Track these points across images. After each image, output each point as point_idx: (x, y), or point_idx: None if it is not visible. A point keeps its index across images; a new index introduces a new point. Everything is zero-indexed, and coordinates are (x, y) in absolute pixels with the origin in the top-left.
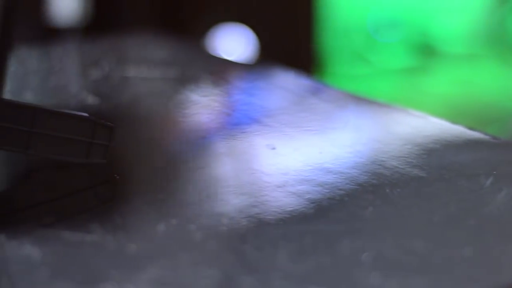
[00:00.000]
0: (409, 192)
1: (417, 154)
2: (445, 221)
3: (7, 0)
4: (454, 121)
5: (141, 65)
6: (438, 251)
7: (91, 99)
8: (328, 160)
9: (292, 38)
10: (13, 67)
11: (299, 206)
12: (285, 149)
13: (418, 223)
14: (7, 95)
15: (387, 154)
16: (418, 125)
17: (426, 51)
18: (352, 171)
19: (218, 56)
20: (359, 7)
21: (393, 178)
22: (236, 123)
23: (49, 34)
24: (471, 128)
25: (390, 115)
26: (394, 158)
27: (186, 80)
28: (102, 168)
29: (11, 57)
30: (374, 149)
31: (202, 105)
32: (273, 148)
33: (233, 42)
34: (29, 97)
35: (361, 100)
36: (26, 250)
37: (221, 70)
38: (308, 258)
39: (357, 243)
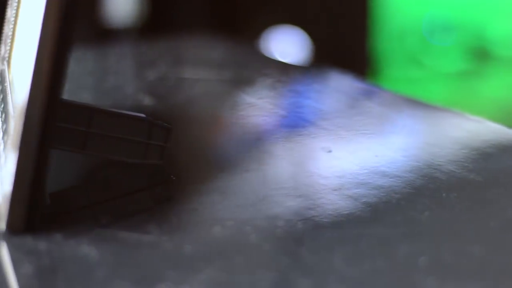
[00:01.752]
0: (466, 197)
1: (474, 159)
2: (502, 226)
3: (68, 1)
4: (510, 125)
5: (197, 67)
6: (495, 256)
7: (147, 100)
8: (384, 164)
9: (347, 41)
10: (70, 67)
11: (355, 209)
12: (341, 152)
13: (475, 227)
14: (65, 95)
15: (443, 158)
16: (474, 129)
17: (482, 54)
18: (408, 175)
19: (273, 58)
20: (414, 9)
21: (449, 183)
22: (292, 126)
23: (105, 34)
24: None
25: (445, 119)
26: (451, 162)
27: (241, 82)
28: (159, 169)
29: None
30: (430, 153)
31: (258, 107)
32: (329, 151)
33: (288, 44)
34: (85, 97)
35: (416, 104)
36: (84, 250)
37: (276, 72)
38: (364, 261)
39: (414, 247)
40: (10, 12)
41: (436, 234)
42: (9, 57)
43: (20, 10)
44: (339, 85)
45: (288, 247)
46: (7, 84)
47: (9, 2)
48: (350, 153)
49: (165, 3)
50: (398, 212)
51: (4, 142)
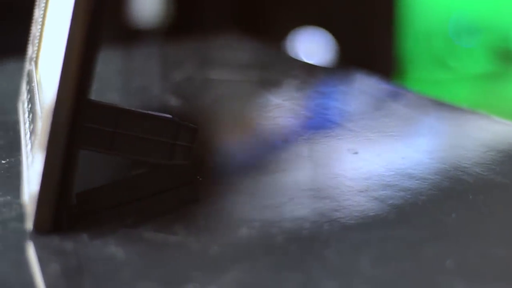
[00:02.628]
0: (492, 199)
1: (500, 161)
2: None
3: (96, 1)
4: None
5: (223, 68)
6: None
7: (173, 101)
8: (411, 166)
9: (373, 42)
10: (97, 68)
11: (381, 211)
12: (367, 153)
13: (502, 230)
14: (92, 95)
15: (470, 160)
16: (500, 132)
17: (507, 56)
18: (435, 177)
19: (299, 60)
20: (440, 11)
21: (476, 185)
22: (317, 127)
23: (132, 35)
24: None
25: (471, 121)
26: (477, 165)
27: (268, 83)
28: (185, 170)
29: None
30: (456, 155)
31: (284, 108)
32: (355, 153)
33: (313, 46)
34: (112, 97)
35: (442, 106)
36: (110, 250)
37: (302, 73)
38: (390, 263)
39: (440, 249)
40: (37, 13)
41: (462, 236)
42: (37, 57)
43: (48, 10)
44: (365, 86)
45: (314, 248)
46: (34, 84)
47: (37, 3)
48: (376, 155)
49: (191, 4)
50: (424, 214)
51: (31, 142)
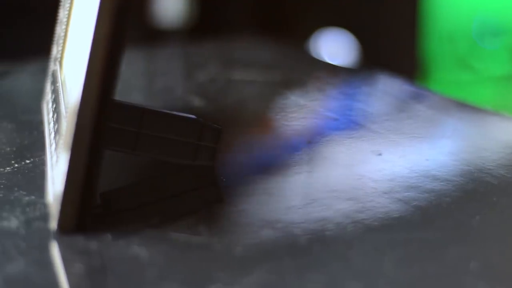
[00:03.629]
0: None
1: None
2: None
3: (121, 2)
4: None
5: (246, 68)
6: None
7: (197, 101)
8: (435, 167)
9: (396, 44)
10: (121, 68)
11: (405, 213)
12: (391, 155)
13: None
14: (116, 96)
15: (494, 162)
16: None
17: None
18: (459, 179)
19: (323, 61)
20: (464, 13)
21: (500, 187)
22: (341, 128)
23: (156, 36)
24: None
25: (495, 122)
26: (502, 167)
27: (291, 84)
28: (209, 170)
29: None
30: (480, 157)
31: (308, 109)
32: (379, 154)
33: (337, 47)
34: (136, 98)
35: (465, 107)
36: (134, 250)
37: (325, 74)
38: (414, 265)
39: (464, 251)
40: (62, 13)
41: (486, 238)
42: (61, 57)
43: (73, 11)
44: (388, 88)
45: (338, 250)
46: (59, 84)
47: (62, 3)
48: (400, 157)
49: (215, 5)
50: (448, 216)
51: (56, 142)
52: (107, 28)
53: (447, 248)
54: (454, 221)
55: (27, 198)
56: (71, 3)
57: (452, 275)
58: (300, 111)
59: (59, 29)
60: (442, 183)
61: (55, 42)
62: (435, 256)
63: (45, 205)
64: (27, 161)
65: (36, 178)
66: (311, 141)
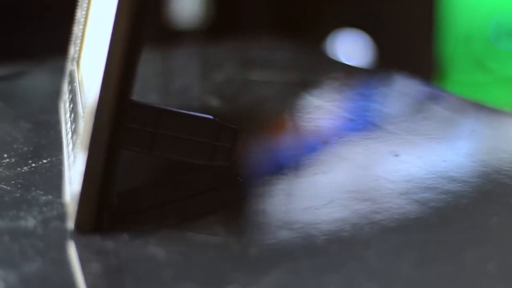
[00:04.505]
0: None
1: None
2: None
3: (139, 2)
4: None
5: (263, 69)
6: None
7: (214, 102)
8: (452, 169)
9: (412, 45)
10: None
11: (422, 214)
12: (408, 156)
13: None
14: (133, 96)
15: (511, 164)
16: None
17: None
18: (476, 180)
19: (339, 61)
20: (480, 14)
21: None
22: (358, 129)
23: (172, 36)
24: None
25: None
26: None
27: (308, 84)
28: (226, 171)
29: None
30: (498, 158)
31: (325, 110)
32: (396, 155)
33: (353, 48)
34: (153, 98)
35: (482, 108)
36: (151, 250)
37: (342, 75)
38: (431, 266)
39: (482, 253)
40: (80, 13)
41: (504, 239)
42: (79, 57)
43: (90, 11)
44: (405, 88)
45: (354, 250)
46: (76, 84)
47: (79, 3)
48: (417, 158)
49: (232, 5)
50: (466, 217)
51: (73, 142)
52: (125, 28)
53: (465, 249)
54: (472, 223)
55: (44, 197)
56: (88, 3)
57: (470, 276)
58: (316, 112)
59: (76, 29)
60: (459, 185)
61: (72, 42)
62: (452, 257)
63: (62, 205)
64: (44, 161)
65: (53, 178)
66: (328, 141)
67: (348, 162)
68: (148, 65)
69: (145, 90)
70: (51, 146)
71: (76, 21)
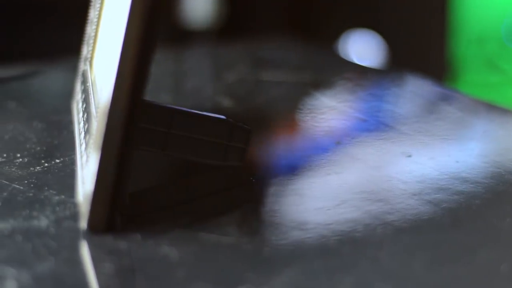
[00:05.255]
0: None
1: None
2: None
3: (152, 2)
4: None
5: (276, 69)
6: None
7: (226, 102)
8: (465, 169)
9: (425, 45)
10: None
11: (435, 215)
12: (421, 157)
13: None
14: (145, 96)
15: None
16: None
17: None
18: (489, 181)
19: (352, 62)
20: (493, 15)
21: None
22: (371, 130)
23: (185, 36)
24: None
25: None
26: None
27: (320, 85)
28: (238, 171)
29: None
30: (511, 159)
31: (337, 111)
32: (409, 156)
33: (365, 48)
34: (165, 98)
35: (495, 109)
36: (163, 250)
37: (354, 75)
38: (444, 267)
39: (494, 254)
40: (93, 13)
41: None
42: (91, 57)
43: (103, 11)
44: (417, 89)
45: (367, 251)
46: (89, 84)
47: (92, 3)
48: (430, 158)
49: (244, 5)
50: (478, 218)
51: (86, 141)
52: (138, 28)
53: (477, 250)
54: (484, 224)
55: (57, 197)
56: (101, 3)
57: (482, 277)
58: (329, 112)
59: (89, 29)
60: (472, 185)
61: (85, 42)
62: (465, 258)
63: (75, 205)
64: (57, 161)
65: (66, 178)
66: (340, 142)
67: (361, 162)
68: (161, 65)
69: (158, 90)
70: (64, 146)
71: (89, 21)
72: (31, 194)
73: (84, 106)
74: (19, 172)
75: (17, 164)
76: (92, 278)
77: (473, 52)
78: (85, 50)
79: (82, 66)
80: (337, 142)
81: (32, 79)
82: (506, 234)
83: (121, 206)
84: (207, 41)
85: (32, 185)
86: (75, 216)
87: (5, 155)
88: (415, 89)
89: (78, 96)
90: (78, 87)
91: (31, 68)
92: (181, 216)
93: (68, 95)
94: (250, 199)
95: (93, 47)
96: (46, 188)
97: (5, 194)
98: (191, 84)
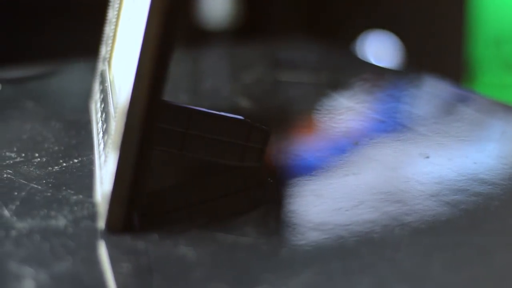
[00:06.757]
0: None
1: None
2: None
3: (171, 2)
4: None
5: (293, 70)
6: None
7: (243, 102)
8: (483, 171)
9: (442, 46)
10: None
11: (452, 216)
12: (439, 158)
13: None
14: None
15: None
16: None
17: None
18: (508, 183)
19: (369, 63)
20: (510, 16)
21: None
22: (389, 131)
23: (202, 37)
24: None
25: None
26: None
27: (337, 85)
28: (256, 171)
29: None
30: None
31: (355, 111)
32: (427, 157)
33: (383, 49)
34: (183, 99)
35: None
36: (181, 250)
37: (372, 76)
38: (462, 269)
39: None
40: (111, 13)
41: None
42: (110, 57)
43: (122, 11)
44: (435, 90)
45: (385, 252)
46: (107, 84)
47: (111, 3)
48: (448, 160)
49: (261, 6)
50: (496, 219)
51: (104, 141)
52: (157, 28)
53: (495, 252)
54: (503, 225)
55: (75, 197)
56: (120, 3)
57: (500, 279)
58: (347, 113)
59: (108, 29)
60: (490, 187)
61: (103, 42)
62: (483, 260)
63: (93, 204)
64: (75, 160)
65: (84, 177)
66: (358, 143)
67: (378, 163)
68: (179, 65)
69: (176, 91)
70: (82, 146)
71: (107, 21)
72: (49, 194)
73: (102, 106)
74: (37, 172)
75: (35, 163)
76: (109, 278)
77: (490, 53)
78: (103, 50)
79: (100, 66)
80: (354, 143)
81: (50, 79)
82: None
83: (139, 206)
84: (225, 41)
85: (50, 185)
86: (93, 216)
87: (23, 154)
88: (432, 90)
89: (96, 96)
90: (97, 87)
91: (49, 68)
92: (199, 216)
93: (86, 95)
94: (268, 199)
95: (112, 47)
96: (64, 188)
97: (23, 193)
98: (209, 85)
